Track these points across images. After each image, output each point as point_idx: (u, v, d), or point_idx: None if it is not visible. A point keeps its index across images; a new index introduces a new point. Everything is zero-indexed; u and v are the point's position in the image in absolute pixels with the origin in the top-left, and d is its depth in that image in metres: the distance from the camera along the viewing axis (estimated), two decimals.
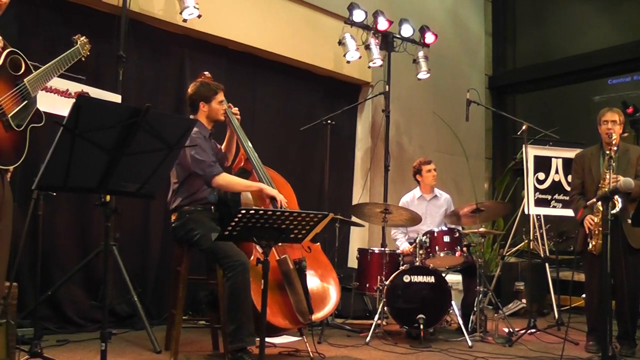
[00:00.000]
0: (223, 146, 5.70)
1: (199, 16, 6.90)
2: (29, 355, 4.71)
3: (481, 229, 6.95)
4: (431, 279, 6.38)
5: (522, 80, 12.13)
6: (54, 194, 5.25)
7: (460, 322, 6.46)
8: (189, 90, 5.44)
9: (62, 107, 5.22)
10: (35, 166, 5.20)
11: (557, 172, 8.12)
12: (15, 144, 2.94)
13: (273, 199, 5.19)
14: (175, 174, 5.21)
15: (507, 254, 8.80)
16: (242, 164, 5.61)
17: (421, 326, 6.13)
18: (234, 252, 4.84)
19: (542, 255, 8.21)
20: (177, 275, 5.31)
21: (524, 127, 7.39)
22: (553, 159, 8.12)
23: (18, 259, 5.20)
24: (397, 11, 9.22)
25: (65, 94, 5.41)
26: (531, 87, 12.18)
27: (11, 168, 3.22)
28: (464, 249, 6.71)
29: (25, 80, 3.04)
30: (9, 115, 2.90)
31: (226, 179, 5.18)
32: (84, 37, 3.66)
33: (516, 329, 6.74)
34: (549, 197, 8.09)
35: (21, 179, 5.51)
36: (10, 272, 4.92)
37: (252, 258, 4.98)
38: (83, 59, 3.63)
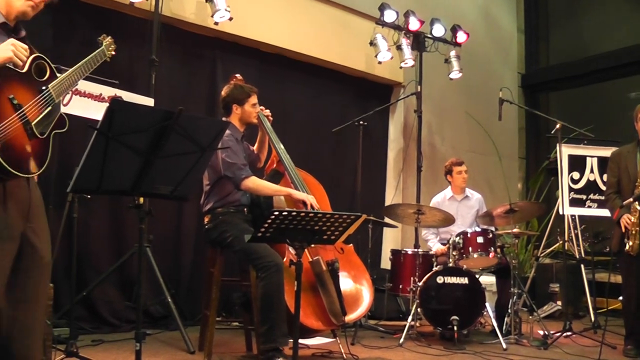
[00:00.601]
0: (255, 148, 5.71)
1: (230, 19, 6.92)
2: (65, 355, 4.77)
3: (515, 230, 6.88)
4: (465, 281, 6.34)
5: (555, 78, 11.93)
6: (89, 196, 5.30)
7: (495, 324, 6.40)
8: (223, 92, 5.46)
9: (95, 111, 5.28)
10: (70, 169, 5.27)
11: (592, 171, 8.00)
12: (38, 151, 2.95)
13: (303, 202, 5.19)
14: (207, 176, 5.23)
15: (542, 255, 8.70)
16: (275, 165, 5.63)
17: (455, 328, 6.09)
18: (267, 254, 4.84)
19: (578, 257, 8.07)
20: (210, 277, 5.33)
21: (557, 126, 7.29)
22: (588, 158, 8.00)
23: (53, 260, 5.26)
24: (428, 11, 9.19)
25: (98, 98, 5.46)
26: (565, 84, 11.98)
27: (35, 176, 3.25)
28: (498, 250, 6.65)
29: (49, 85, 3.04)
30: (33, 123, 2.91)
31: (255, 183, 5.19)
32: (109, 37, 3.67)
33: (551, 332, 6.64)
34: (584, 197, 7.97)
35: (56, 182, 5.58)
36: None
37: (285, 259, 4.99)
38: (109, 59, 3.63)
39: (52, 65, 3.11)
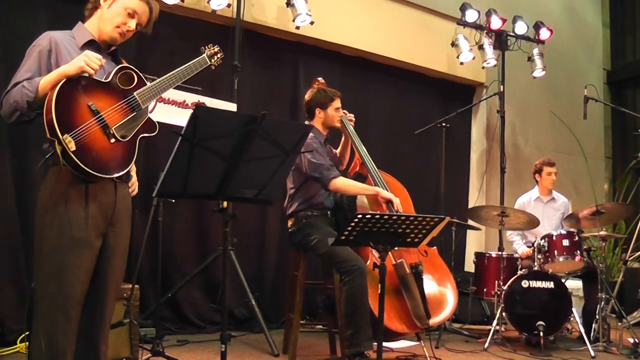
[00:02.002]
0: (338, 151, 5.72)
1: (312, 23, 6.94)
2: (151, 354, 4.89)
3: (602, 232, 6.66)
4: (550, 285, 6.22)
5: None
6: (173, 200, 5.39)
7: (582, 330, 6.25)
8: (306, 96, 5.49)
9: (179, 118, 5.39)
10: (155, 175, 5.38)
11: None
12: (121, 154, 3.05)
13: (389, 202, 5.17)
14: (291, 179, 5.26)
15: (630, 258, 8.46)
16: (358, 168, 5.62)
17: (541, 333, 5.97)
18: (351, 257, 4.84)
19: None
20: (294, 280, 5.36)
21: None
22: None
23: (139, 262, 5.38)
24: (510, 8, 9.06)
25: (182, 104, 5.57)
26: None
27: (134, 180, 3.35)
28: (584, 253, 6.50)
29: (135, 92, 3.15)
30: (113, 127, 3.02)
31: (343, 182, 5.19)
32: (216, 46, 3.76)
33: None
34: None
35: (142, 186, 5.69)
36: (132, 275, 5.11)
37: (368, 262, 4.97)
38: (213, 67, 3.73)
39: (141, 74, 3.21)
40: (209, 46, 3.71)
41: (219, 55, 3.73)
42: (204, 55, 3.64)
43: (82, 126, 2.92)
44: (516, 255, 6.89)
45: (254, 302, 5.93)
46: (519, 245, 7.23)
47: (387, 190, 5.31)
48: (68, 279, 2.98)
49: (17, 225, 5.45)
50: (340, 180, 5.17)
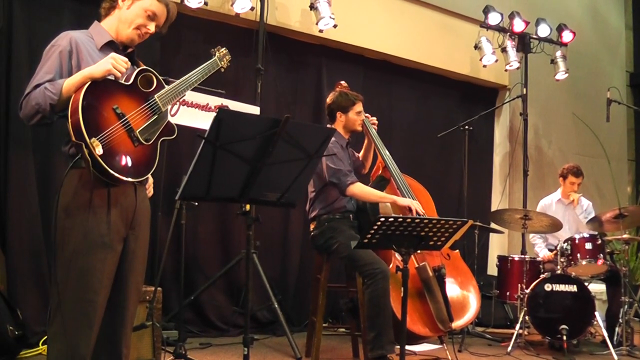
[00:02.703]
0: (361, 155, 5.72)
1: (335, 26, 6.93)
2: (174, 356, 4.91)
3: (625, 236, 6.59)
4: (573, 288, 6.17)
5: None
6: (196, 203, 5.41)
7: (605, 334, 6.21)
8: (328, 99, 5.50)
9: (202, 121, 5.42)
10: (178, 177, 5.41)
11: None
12: (145, 157, 3.05)
13: (409, 208, 5.16)
14: (312, 183, 5.26)
15: None
16: (380, 172, 5.62)
17: (564, 337, 5.92)
18: (374, 260, 4.83)
19: None
20: (317, 283, 5.36)
21: None
22: None
23: (162, 265, 5.41)
24: (533, 11, 9.04)
25: (205, 108, 5.59)
26: None
27: (149, 185, 3.36)
28: (607, 256, 6.45)
29: (155, 95, 3.15)
30: (137, 130, 3.01)
31: (360, 189, 5.18)
32: (224, 48, 3.75)
33: None
34: None
35: (165, 189, 5.73)
36: (155, 277, 5.13)
37: (391, 265, 4.97)
38: (223, 69, 3.72)
39: (160, 77, 3.21)
40: (218, 48, 3.71)
41: (227, 57, 3.72)
42: (215, 57, 3.64)
43: (109, 130, 2.91)
44: (538, 259, 6.86)
45: (276, 305, 5.93)
46: (540, 248, 7.20)
47: (410, 194, 5.31)
48: (91, 284, 2.96)
49: (40, 227, 5.47)
50: (357, 186, 5.16)
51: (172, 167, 5.92)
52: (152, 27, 3.30)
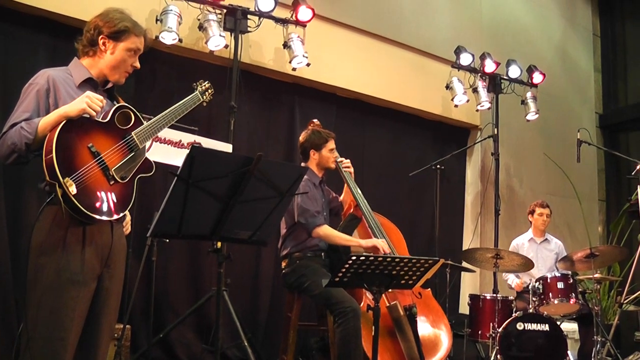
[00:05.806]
0: (341, 198, 5.75)
1: (308, 64, 6.97)
2: None
3: (596, 275, 6.66)
4: (546, 327, 6.18)
5: (634, 117, 11.43)
6: (167, 240, 5.38)
7: None
8: (301, 138, 5.53)
9: (175, 157, 5.38)
10: (150, 214, 5.38)
11: None
12: (121, 195, 3.03)
13: (375, 248, 5.16)
14: (284, 221, 5.27)
15: (625, 301, 8.43)
16: (352, 210, 5.63)
17: None
18: (345, 299, 4.82)
19: None
20: (287, 321, 5.34)
21: (638, 167, 7.13)
22: None
23: (132, 302, 5.35)
24: (504, 52, 9.15)
25: (178, 144, 5.57)
26: None
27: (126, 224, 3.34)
28: (579, 295, 6.49)
29: (133, 132, 3.15)
30: (113, 169, 3.01)
31: (326, 231, 5.21)
32: (206, 82, 3.77)
33: None
34: None
35: (136, 226, 5.68)
36: (124, 314, 5.07)
37: (362, 304, 4.95)
38: (205, 104, 3.73)
39: (138, 113, 3.21)
40: (200, 82, 3.72)
41: (210, 91, 3.74)
42: (196, 92, 3.65)
43: (83, 169, 2.90)
44: (511, 298, 6.87)
45: (247, 343, 5.88)
46: (512, 279, 7.26)
47: (381, 233, 5.32)
48: (62, 322, 2.92)
49: (9, 265, 5.41)
50: (323, 229, 5.19)
51: (144, 204, 5.89)
52: (137, 63, 3.33)
